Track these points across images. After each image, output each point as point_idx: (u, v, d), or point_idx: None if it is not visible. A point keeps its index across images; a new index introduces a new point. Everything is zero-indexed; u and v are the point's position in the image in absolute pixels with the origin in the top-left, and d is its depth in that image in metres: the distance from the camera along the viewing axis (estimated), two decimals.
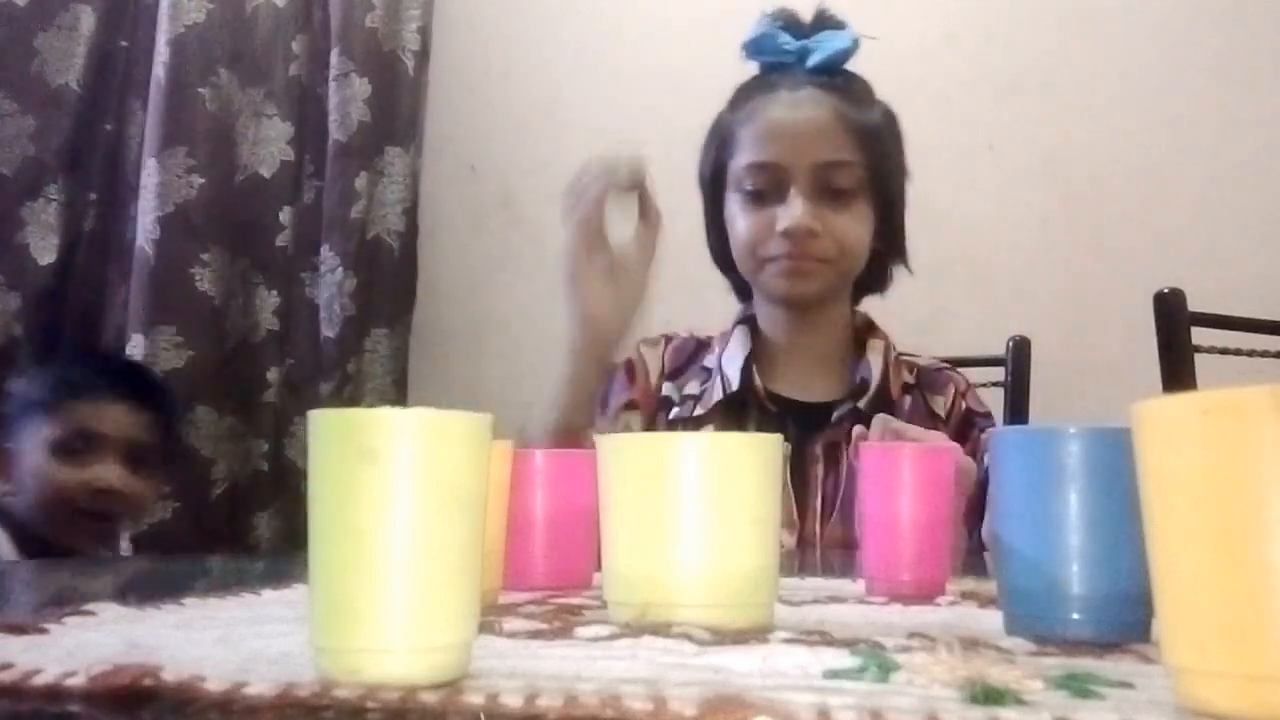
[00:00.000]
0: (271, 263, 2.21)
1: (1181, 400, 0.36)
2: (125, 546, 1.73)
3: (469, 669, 0.40)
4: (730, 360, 1.32)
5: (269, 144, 2.22)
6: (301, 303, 2.25)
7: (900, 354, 1.36)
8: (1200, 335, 1.46)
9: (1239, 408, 0.34)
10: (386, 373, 2.24)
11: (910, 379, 1.34)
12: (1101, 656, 0.45)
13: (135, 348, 2.05)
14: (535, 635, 0.49)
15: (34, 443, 1.52)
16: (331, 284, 2.23)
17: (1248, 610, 0.33)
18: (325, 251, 2.25)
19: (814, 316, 1.32)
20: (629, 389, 1.37)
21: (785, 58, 1.31)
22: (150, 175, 2.12)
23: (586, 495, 0.63)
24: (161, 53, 2.15)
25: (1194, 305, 1.45)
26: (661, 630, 0.48)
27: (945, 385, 1.35)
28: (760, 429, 1.18)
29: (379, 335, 2.24)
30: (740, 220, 1.28)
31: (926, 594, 0.66)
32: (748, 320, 1.36)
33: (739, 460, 0.54)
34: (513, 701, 0.36)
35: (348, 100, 2.26)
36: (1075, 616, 0.50)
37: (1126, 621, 0.49)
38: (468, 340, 2.34)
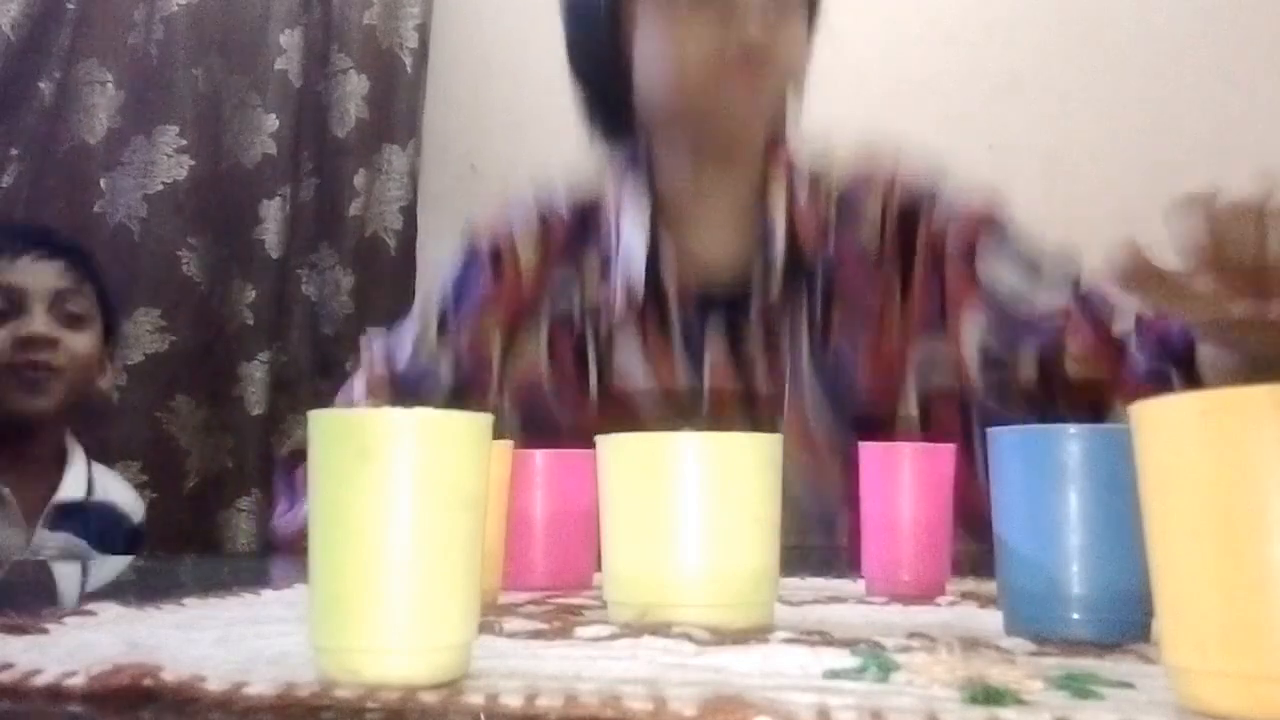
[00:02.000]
0: (249, 256, 2.19)
1: (1181, 400, 0.36)
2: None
3: (469, 669, 0.40)
4: (630, 246, 1.11)
5: (251, 135, 2.21)
6: (298, 300, 2.24)
7: (817, 172, 1.14)
8: None
9: (1239, 408, 0.34)
10: None
11: (828, 213, 1.12)
12: (1101, 656, 0.45)
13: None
14: (535, 635, 0.49)
15: None
16: (330, 281, 2.23)
17: (1248, 610, 0.33)
18: (324, 249, 2.25)
19: (734, 141, 1.11)
20: (492, 291, 1.15)
21: None
22: (137, 151, 2.10)
23: (586, 495, 0.63)
24: (156, 29, 2.14)
25: None
26: (661, 630, 0.48)
27: (865, 197, 1.13)
28: (674, 334, 1.07)
29: (377, 334, 2.23)
30: (673, 33, 1.05)
31: (926, 594, 0.66)
32: (638, 170, 1.13)
33: (739, 460, 0.54)
34: (513, 701, 0.36)
35: (346, 97, 2.26)
36: (1075, 616, 0.50)
37: (1126, 621, 0.49)
38: None
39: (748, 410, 1.10)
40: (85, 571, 1.03)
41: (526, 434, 1.10)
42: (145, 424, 2.05)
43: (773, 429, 1.01)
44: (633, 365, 1.13)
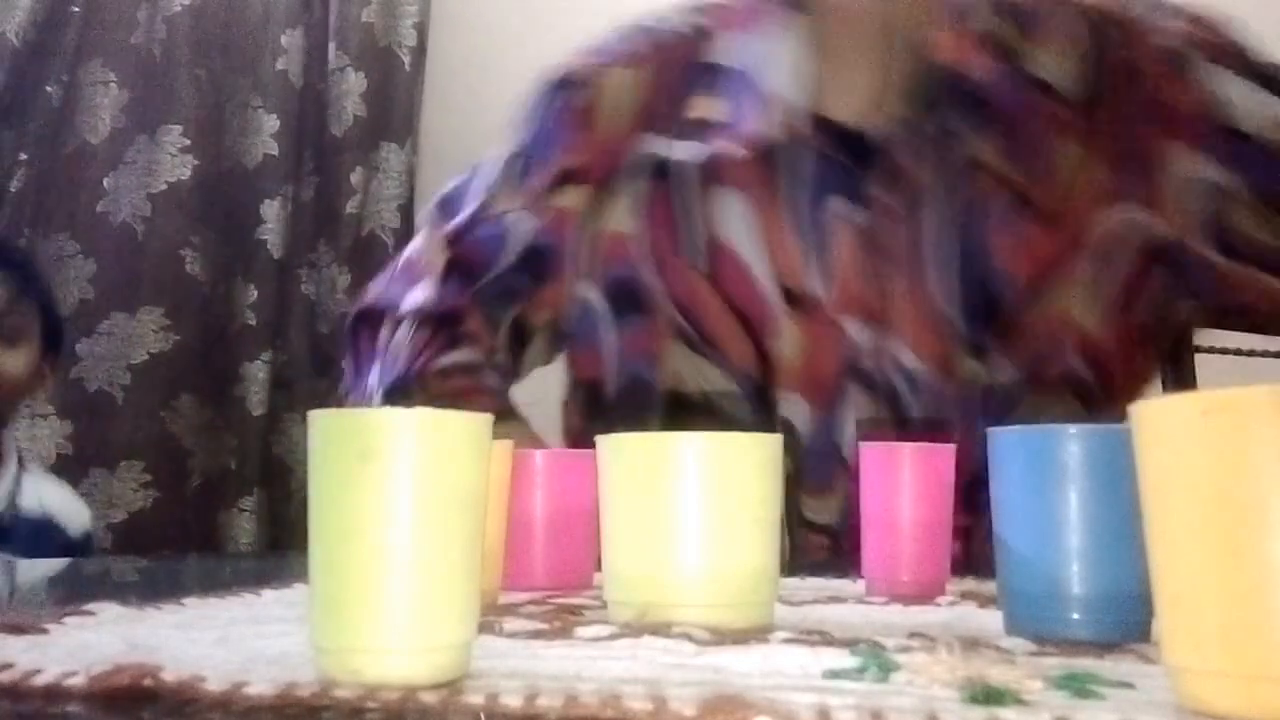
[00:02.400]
0: (251, 256, 2.20)
1: (1181, 400, 0.36)
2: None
3: (469, 669, 0.40)
4: (770, 60, 0.90)
5: (252, 135, 2.21)
6: (298, 299, 2.24)
7: None
8: (1200, 335, 1.46)
9: (1239, 408, 0.34)
10: None
11: (1000, 26, 0.90)
12: (1101, 656, 0.45)
13: (114, 326, 2.03)
14: (535, 635, 0.49)
15: None
16: (327, 279, 2.23)
17: (1248, 610, 0.33)
18: (321, 247, 2.25)
19: None
20: (576, 147, 0.96)
21: None
22: (141, 151, 2.10)
23: (586, 495, 0.63)
24: (159, 29, 2.14)
25: None
26: (661, 630, 0.48)
27: (1061, 22, 0.89)
28: (815, 175, 0.84)
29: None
30: None
31: (926, 594, 0.66)
32: None
33: (739, 460, 0.54)
34: (513, 701, 0.36)
35: (344, 95, 2.26)
36: (1075, 616, 0.50)
37: (1126, 621, 0.49)
38: None
39: (875, 303, 0.89)
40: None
41: (617, 315, 0.95)
42: (148, 424, 2.05)
43: (899, 328, 0.87)
44: (740, 232, 0.91)
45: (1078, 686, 0.38)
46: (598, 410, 1.01)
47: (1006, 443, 0.53)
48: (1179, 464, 0.35)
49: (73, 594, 0.83)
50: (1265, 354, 1.50)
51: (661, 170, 0.94)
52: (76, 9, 2.12)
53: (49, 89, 2.10)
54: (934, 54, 0.88)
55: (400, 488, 0.39)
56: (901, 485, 0.68)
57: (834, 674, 0.40)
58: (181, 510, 2.04)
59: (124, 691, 0.37)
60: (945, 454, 0.70)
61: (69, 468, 1.95)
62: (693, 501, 0.53)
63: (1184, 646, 0.35)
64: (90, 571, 1.09)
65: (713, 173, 0.92)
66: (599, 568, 0.59)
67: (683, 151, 0.93)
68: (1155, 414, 0.37)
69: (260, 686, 0.37)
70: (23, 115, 2.09)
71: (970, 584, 0.71)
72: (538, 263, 1.00)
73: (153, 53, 2.13)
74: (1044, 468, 0.51)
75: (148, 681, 0.38)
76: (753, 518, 0.54)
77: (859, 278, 0.90)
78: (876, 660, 0.42)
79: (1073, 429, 0.51)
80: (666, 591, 0.53)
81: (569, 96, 0.99)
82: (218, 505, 2.10)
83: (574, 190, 0.97)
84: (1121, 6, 0.92)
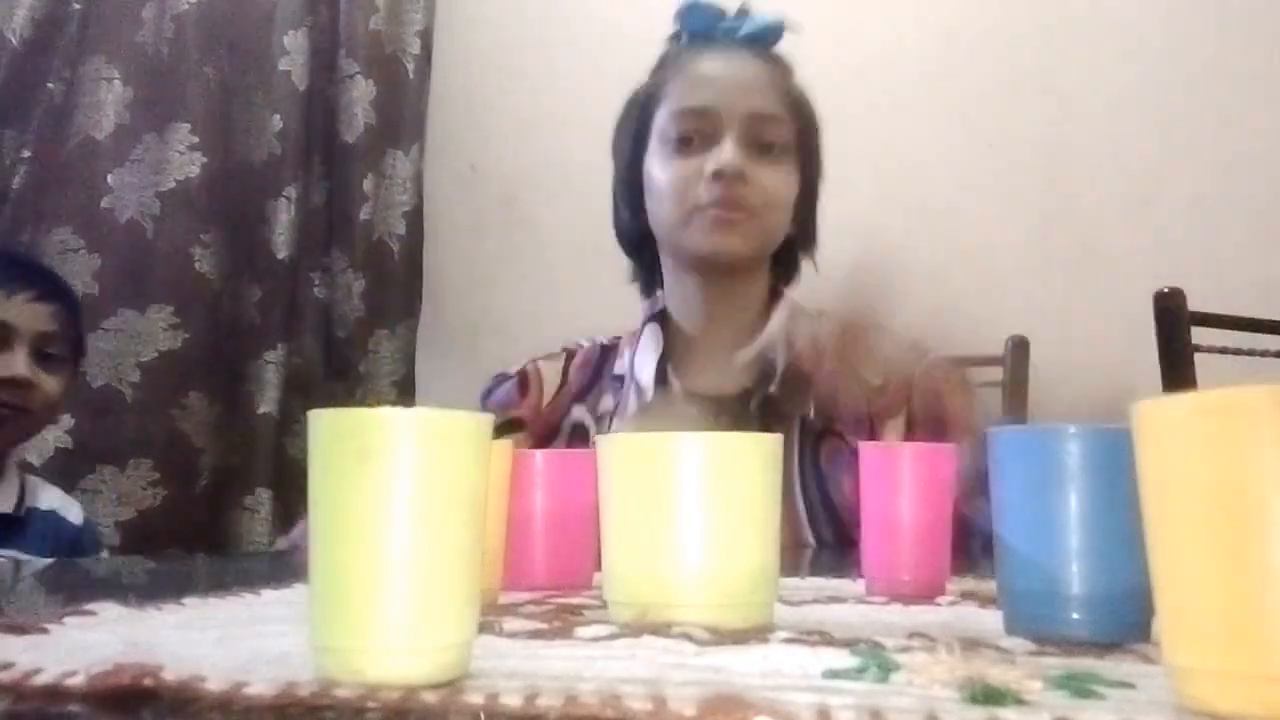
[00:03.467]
0: (258, 255, 2.20)
1: (1181, 400, 0.36)
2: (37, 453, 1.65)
3: (469, 668, 0.40)
4: (642, 364, 1.26)
5: (257, 134, 2.21)
6: (309, 302, 2.25)
7: (816, 315, 1.24)
8: (1200, 335, 1.46)
9: (1239, 408, 0.34)
10: (395, 373, 2.24)
11: (827, 342, 1.21)
12: (1101, 656, 0.45)
13: (123, 323, 2.03)
14: (535, 635, 0.49)
15: None
16: (342, 285, 2.24)
17: (1248, 610, 0.33)
18: (335, 252, 2.26)
19: (732, 287, 1.26)
20: (518, 404, 1.29)
21: (716, 24, 1.29)
22: (149, 149, 2.10)
23: (586, 495, 0.63)
24: (167, 27, 2.14)
25: (1194, 305, 1.45)
26: (661, 630, 0.48)
27: (865, 342, 1.22)
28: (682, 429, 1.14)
29: (384, 336, 2.25)
30: (666, 170, 1.23)
31: (926, 594, 0.66)
32: (657, 316, 1.30)
33: (739, 460, 0.54)
34: (513, 701, 0.36)
35: (354, 102, 2.27)
36: (1075, 616, 0.50)
37: (1126, 621, 0.49)
38: (470, 339, 2.34)
39: None
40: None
41: None
42: (158, 422, 2.05)
43: None
44: None
45: (1078, 686, 0.38)
46: None
47: (1006, 443, 0.53)
48: (1179, 464, 0.35)
49: (73, 594, 0.83)
50: (1265, 354, 1.50)
51: (580, 427, 1.27)
52: (78, 6, 2.12)
53: (50, 85, 2.10)
54: (798, 360, 1.18)
55: (400, 488, 0.39)
56: (901, 486, 0.68)
57: (834, 674, 0.40)
58: (191, 508, 2.04)
59: (124, 691, 0.37)
60: (945, 454, 0.70)
61: (75, 464, 1.95)
62: (693, 501, 0.53)
63: (1184, 646, 0.35)
64: (91, 571, 1.09)
65: (612, 423, 1.24)
66: (599, 568, 0.59)
67: (591, 415, 1.27)
68: (1155, 414, 0.37)
69: (260, 686, 0.37)
70: (25, 112, 2.09)
71: (970, 584, 0.71)
72: None
73: (160, 50, 2.13)
74: (1044, 468, 0.51)
75: (148, 681, 0.38)
76: (753, 518, 0.54)
77: None
78: (876, 660, 0.42)
79: (1072, 429, 0.51)
80: (666, 591, 0.53)
81: (514, 382, 1.31)
82: (227, 504, 2.11)
83: (520, 436, 1.26)
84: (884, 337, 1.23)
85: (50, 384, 1.53)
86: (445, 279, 2.37)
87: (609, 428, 1.24)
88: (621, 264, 1.36)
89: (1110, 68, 2.16)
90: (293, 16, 2.25)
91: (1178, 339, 1.43)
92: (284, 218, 2.20)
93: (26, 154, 2.07)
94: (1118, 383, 1.73)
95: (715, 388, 1.25)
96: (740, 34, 1.28)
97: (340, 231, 2.26)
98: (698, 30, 1.30)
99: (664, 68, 1.29)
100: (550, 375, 1.31)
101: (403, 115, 2.31)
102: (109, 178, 2.10)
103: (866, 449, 0.71)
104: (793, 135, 1.25)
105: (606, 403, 1.28)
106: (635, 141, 1.28)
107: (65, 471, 1.88)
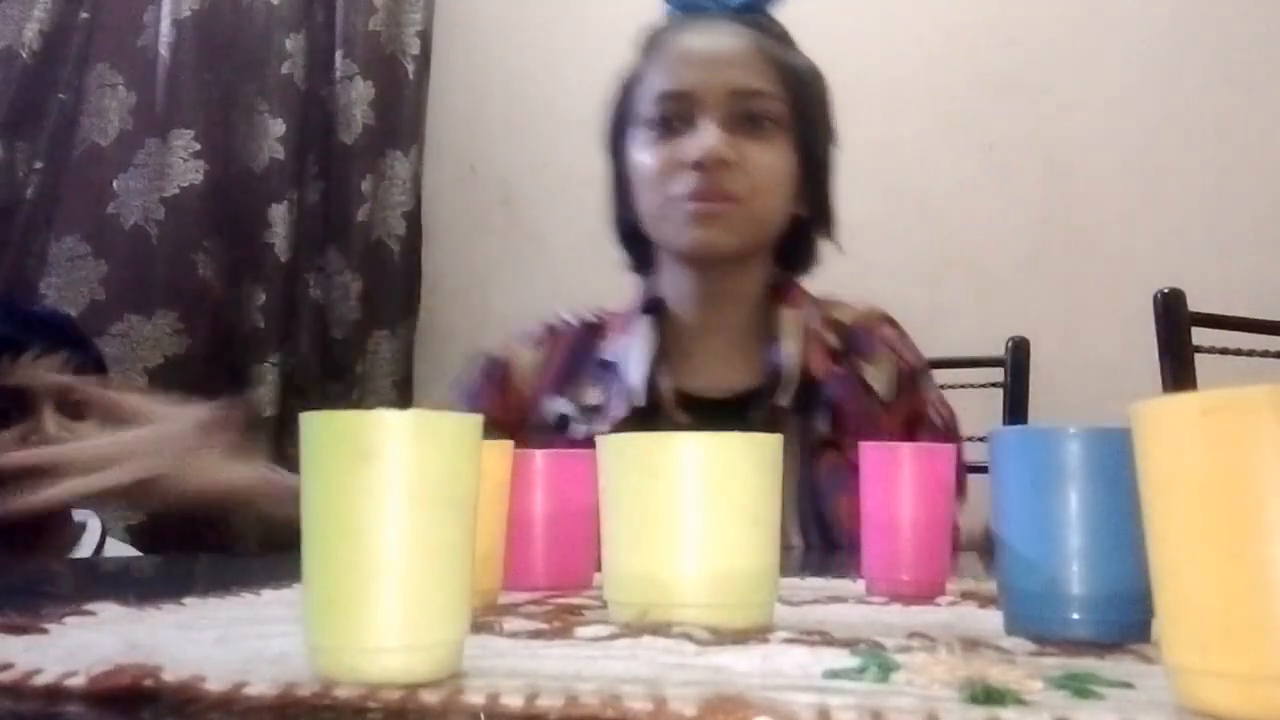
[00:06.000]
0: (259, 260, 2.20)
1: (1181, 400, 0.36)
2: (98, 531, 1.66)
3: (464, 666, 0.40)
4: (634, 361, 1.15)
5: (259, 139, 2.21)
6: (306, 304, 2.25)
7: (826, 306, 1.21)
8: (1200, 335, 1.46)
9: (1239, 408, 0.34)
10: (393, 374, 2.24)
11: (837, 343, 1.19)
12: (1101, 656, 0.45)
13: (129, 329, 2.04)
14: (535, 635, 0.49)
15: None
16: (339, 286, 2.24)
17: (1248, 610, 0.33)
18: (331, 253, 2.25)
19: (726, 282, 1.17)
20: (493, 401, 1.19)
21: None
22: (152, 154, 2.10)
23: (586, 495, 0.63)
24: (166, 34, 2.14)
25: (1194, 305, 1.45)
26: (661, 630, 0.48)
27: (877, 346, 1.20)
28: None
29: (382, 337, 2.25)
30: (645, 156, 1.14)
31: (926, 594, 0.66)
32: (652, 307, 1.20)
33: (739, 460, 0.54)
34: (513, 701, 0.36)
35: (353, 103, 2.27)
36: (1075, 616, 0.50)
37: (1126, 621, 0.49)
38: (469, 339, 2.34)
39: None
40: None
41: None
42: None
43: None
44: None
45: (1078, 686, 0.38)
46: None
47: (1007, 443, 0.53)
48: (1179, 464, 0.35)
49: (73, 594, 0.83)
50: (1265, 354, 1.50)
51: (562, 421, 1.17)
52: (85, 15, 2.13)
53: (61, 96, 2.11)
54: (810, 368, 1.16)
55: (393, 488, 0.39)
56: (901, 485, 0.68)
57: (834, 674, 0.40)
58: (195, 514, 2.05)
59: (124, 691, 0.37)
60: (945, 454, 0.70)
61: None
62: (693, 501, 0.53)
63: (1184, 646, 0.35)
64: (91, 571, 1.09)
65: (600, 422, 1.14)
66: (599, 568, 0.59)
67: (574, 407, 1.18)
68: (1155, 414, 0.37)
69: (260, 686, 0.37)
70: (36, 123, 2.10)
71: (970, 584, 0.71)
72: None
73: (162, 56, 2.14)
74: (1044, 468, 0.51)
75: (148, 681, 0.38)
76: (753, 518, 0.54)
77: None
78: (876, 660, 0.42)
79: (1072, 429, 0.51)
80: (666, 591, 0.53)
81: (490, 369, 1.23)
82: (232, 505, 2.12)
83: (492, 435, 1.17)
84: (897, 337, 1.24)
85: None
86: (444, 279, 2.37)
87: (592, 423, 1.14)
88: (621, 263, 1.33)
89: (1110, 68, 2.16)
90: (292, 19, 2.25)
91: (1178, 339, 1.43)
92: (286, 221, 2.20)
93: (39, 165, 2.08)
94: (1117, 383, 1.73)
95: (713, 388, 1.17)
96: (729, 3, 1.19)
97: (338, 232, 2.27)
98: (683, 2, 1.22)
99: (648, 46, 1.21)
100: (529, 364, 1.22)
101: (401, 116, 2.31)
102: (114, 183, 2.11)
103: (867, 449, 0.71)
104: (786, 109, 1.14)
105: (592, 394, 1.17)
106: (618, 127, 1.21)
107: None
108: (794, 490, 1.11)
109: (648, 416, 1.13)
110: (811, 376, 1.15)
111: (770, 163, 1.13)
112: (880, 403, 1.17)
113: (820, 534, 1.12)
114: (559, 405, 1.18)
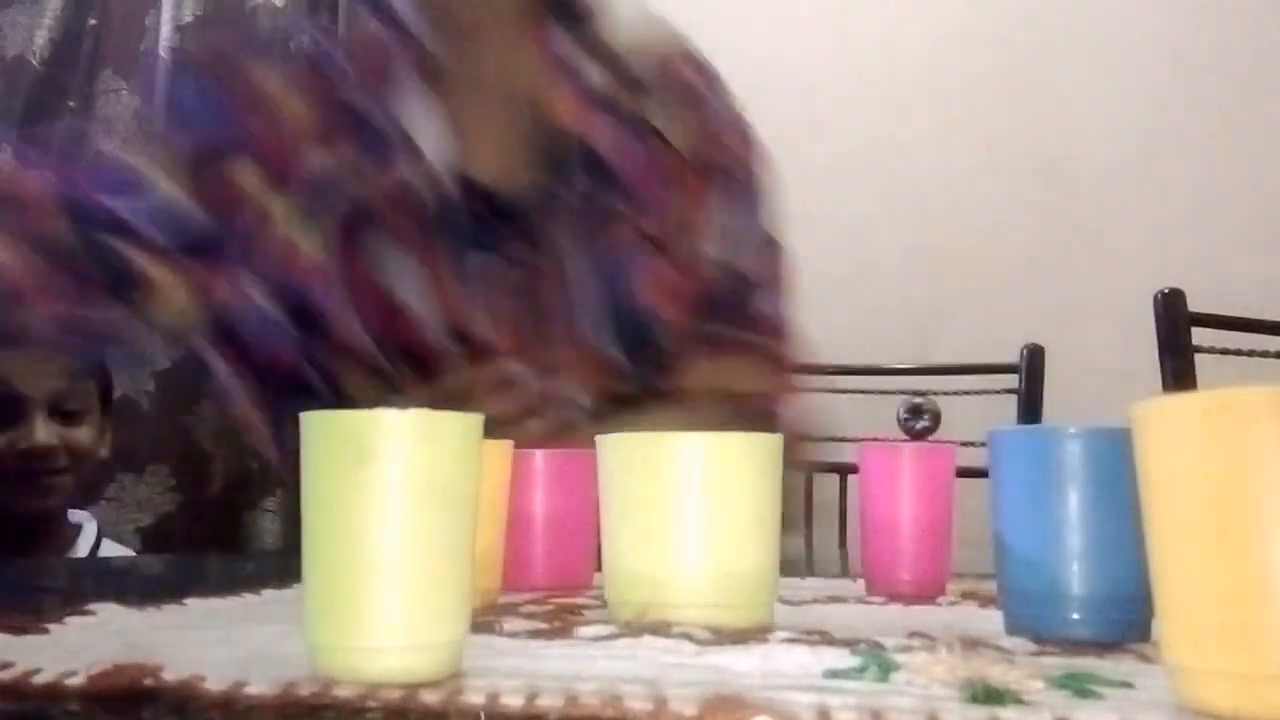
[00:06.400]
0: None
1: (1181, 400, 0.36)
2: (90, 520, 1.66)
3: (461, 666, 0.40)
4: (413, 124, 0.95)
5: None
6: None
7: (592, 31, 0.99)
8: (1200, 335, 1.46)
9: (1239, 408, 0.34)
10: None
11: (601, 79, 0.98)
12: (1101, 656, 0.45)
13: None
14: (535, 635, 0.49)
15: None
16: None
17: (1248, 610, 0.33)
18: None
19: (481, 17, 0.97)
20: (249, 128, 0.94)
21: None
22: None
23: (586, 495, 0.63)
24: (171, 38, 2.15)
25: (1194, 305, 1.45)
26: (661, 630, 0.48)
27: (671, 87, 1.00)
28: (469, 234, 0.88)
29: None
30: None
31: (926, 594, 0.66)
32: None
33: (739, 460, 0.54)
34: (513, 701, 0.36)
35: None
36: (1075, 616, 0.50)
37: (1126, 621, 0.49)
38: None
39: (536, 337, 0.96)
40: None
41: (297, 327, 0.93)
42: (173, 429, 2.06)
43: (565, 371, 0.94)
44: (411, 285, 0.95)
45: (1078, 686, 0.38)
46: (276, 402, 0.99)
47: (1007, 443, 0.53)
48: (1179, 464, 0.35)
49: (73, 594, 0.83)
50: (1265, 354, 1.50)
51: (351, 216, 0.95)
52: (94, 21, 2.14)
53: (71, 104, 2.13)
54: (558, 120, 0.95)
55: (393, 487, 0.39)
56: (901, 485, 0.68)
57: (834, 674, 0.40)
58: (206, 512, 2.05)
59: (124, 691, 0.37)
60: (945, 454, 0.70)
61: (96, 476, 1.97)
62: (693, 501, 0.53)
63: (1184, 646, 0.35)
64: (91, 571, 1.09)
65: (382, 230, 0.95)
66: (599, 567, 0.59)
67: (352, 191, 0.95)
68: (1155, 414, 0.37)
69: (260, 686, 0.37)
70: (47, 133, 2.10)
71: (970, 584, 0.71)
72: (211, 231, 0.94)
73: (165, 60, 2.14)
74: (1044, 468, 0.51)
75: (148, 681, 0.38)
76: (753, 517, 0.54)
77: (519, 328, 0.97)
78: (877, 660, 0.42)
79: (1072, 429, 0.51)
80: (666, 591, 0.53)
81: (231, 78, 0.97)
82: (242, 506, 2.12)
83: (248, 170, 0.94)
84: (703, 83, 1.03)
85: (79, 436, 1.53)
86: None
87: (393, 223, 0.94)
88: None
89: (1110, 68, 2.16)
90: (294, 23, 2.25)
91: (1177, 339, 1.43)
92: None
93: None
94: (1117, 383, 1.73)
95: (493, 175, 0.96)
96: None
97: None
98: None
99: None
100: (286, 97, 0.96)
101: None
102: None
103: (867, 449, 0.71)
104: None
105: (379, 172, 0.94)
106: None
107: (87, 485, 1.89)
108: (595, 298, 0.96)
109: (431, 209, 0.94)
110: (578, 138, 0.96)
111: None
112: (675, 152, 0.99)
113: (632, 342, 0.97)
114: (337, 178, 0.95)
